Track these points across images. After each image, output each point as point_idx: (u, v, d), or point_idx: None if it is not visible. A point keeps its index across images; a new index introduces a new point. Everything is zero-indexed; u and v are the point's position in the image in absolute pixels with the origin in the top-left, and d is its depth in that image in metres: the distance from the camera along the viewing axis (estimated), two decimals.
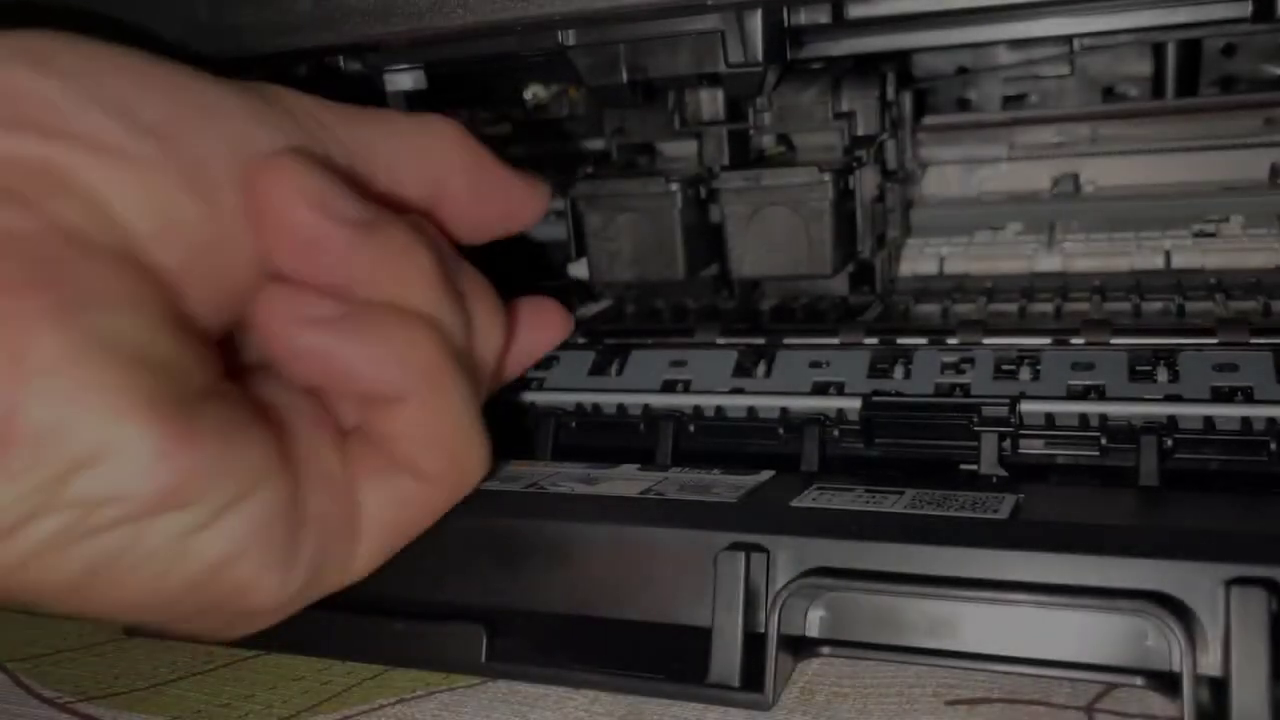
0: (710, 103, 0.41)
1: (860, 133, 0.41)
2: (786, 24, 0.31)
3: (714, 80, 0.36)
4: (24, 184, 0.20)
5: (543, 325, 0.31)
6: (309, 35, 0.25)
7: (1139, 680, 0.23)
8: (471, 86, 0.52)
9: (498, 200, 0.29)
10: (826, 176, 0.37)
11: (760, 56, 0.30)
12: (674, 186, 0.38)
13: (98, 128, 0.21)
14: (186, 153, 0.22)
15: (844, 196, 0.38)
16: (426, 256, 0.25)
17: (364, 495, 0.25)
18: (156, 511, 0.21)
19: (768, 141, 0.42)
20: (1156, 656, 0.23)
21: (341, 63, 0.36)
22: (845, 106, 0.41)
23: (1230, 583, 0.22)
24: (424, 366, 0.24)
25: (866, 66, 0.42)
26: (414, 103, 0.42)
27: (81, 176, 0.21)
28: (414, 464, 0.25)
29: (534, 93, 0.56)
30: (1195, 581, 0.23)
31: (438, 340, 0.25)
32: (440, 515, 0.27)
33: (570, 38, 0.32)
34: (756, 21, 0.30)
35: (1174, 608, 0.22)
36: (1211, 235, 0.43)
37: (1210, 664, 0.23)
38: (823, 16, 0.31)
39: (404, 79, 0.41)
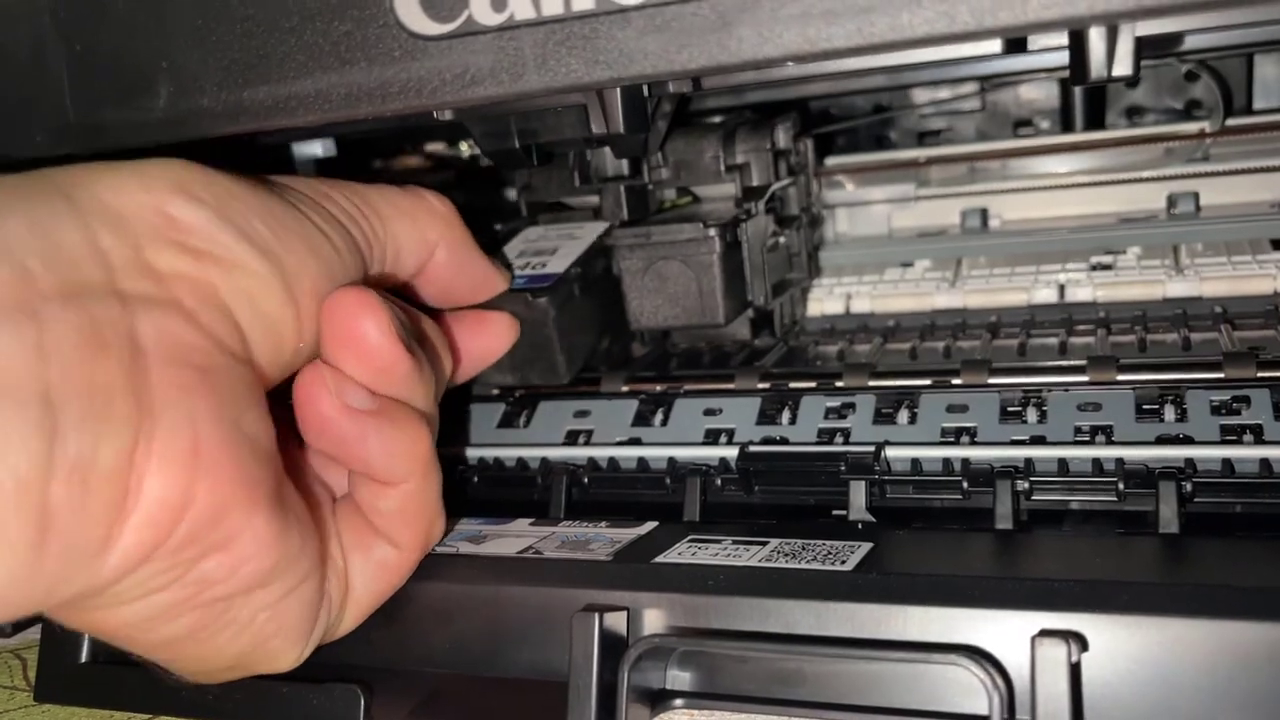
0: (611, 159, 0.42)
1: (754, 183, 0.42)
2: (647, 94, 0.33)
3: (602, 141, 0.37)
4: (186, 296, 0.24)
5: (489, 334, 0.34)
6: (167, 132, 0.26)
7: None
8: (379, 147, 0.53)
9: (470, 276, 0.33)
10: (712, 231, 0.38)
11: (621, 129, 0.31)
12: None
13: (231, 249, 0.25)
14: (285, 267, 0.26)
15: (734, 248, 0.40)
16: (437, 374, 0.29)
17: (353, 568, 0.29)
18: (254, 589, 0.25)
19: (669, 194, 0.43)
20: (980, 702, 0.25)
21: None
22: (739, 158, 0.42)
23: (1036, 636, 0.23)
24: (421, 458, 0.28)
25: (761, 118, 0.43)
26: (324, 167, 0.44)
27: (220, 291, 0.24)
28: (394, 536, 0.29)
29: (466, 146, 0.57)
30: (1006, 633, 0.24)
31: (429, 434, 0.29)
32: (407, 578, 0.30)
33: (446, 114, 0.33)
34: (615, 97, 0.31)
35: (985, 659, 0.24)
36: (1108, 268, 0.45)
37: (1023, 709, 0.24)
38: (684, 87, 0.33)
39: (313, 147, 0.42)
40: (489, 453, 0.39)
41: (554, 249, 0.40)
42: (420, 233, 0.31)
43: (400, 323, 0.27)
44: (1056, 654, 0.23)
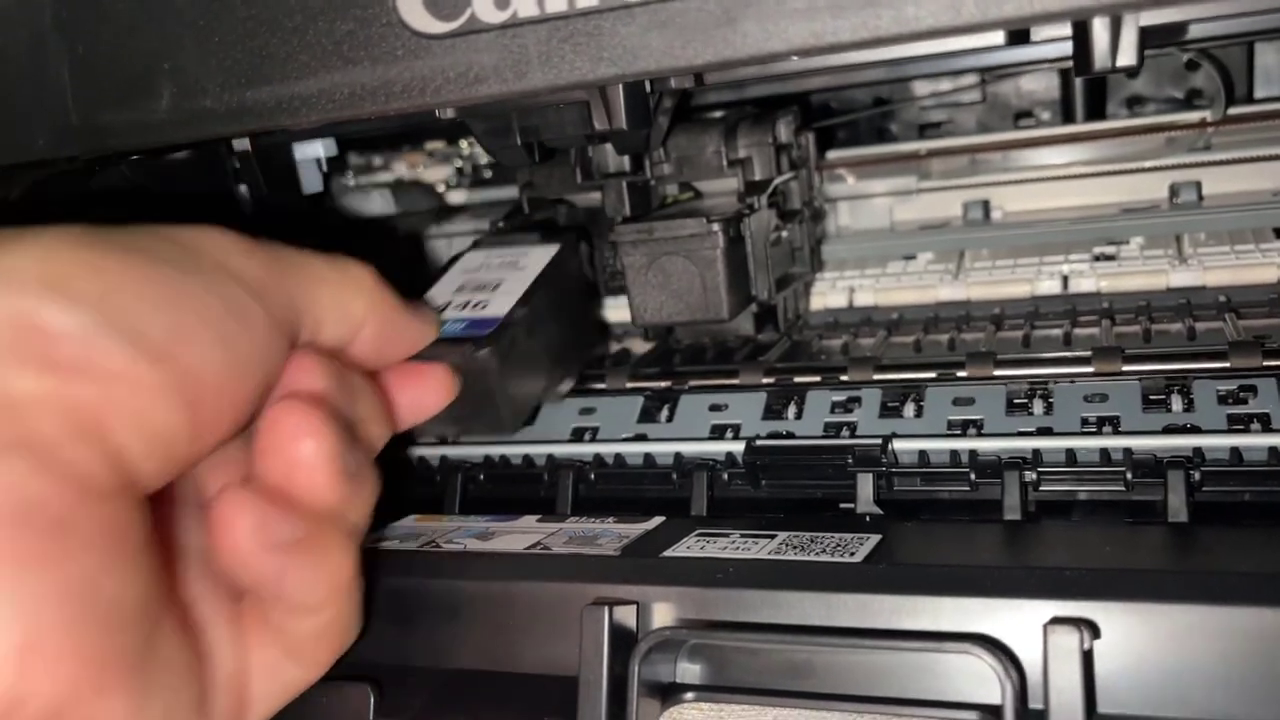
0: (613, 155, 0.42)
1: (757, 177, 0.42)
2: (649, 90, 0.33)
3: (604, 137, 0.37)
4: (45, 425, 0.20)
5: (425, 388, 0.32)
6: (169, 133, 0.26)
7: (972, 716, 0.24)
8: (380, 143, 0.53)
9: (398, 342, 0.31)
10: (715, 226, 0.38)
11: (623, 125, 0.31)
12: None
13: (112, 358, 0.21)
14: (183, 367, 0.23)
15: (737, 243, 0.40)
16: (373, 482, 0.27)
17: (253, 681, 0.27)
18: None
19: (672, 189, 0.43)
20: (993, 692, 0.25)
21: (249, 144, 0.37)
22: (741, 153, 0.42)
23: (1047, 624, 0.23)
24: (343, 584, 0.27)
25: (763, 112, 0.43)
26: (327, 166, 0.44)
27: (95, 412, 0.21)
28: (304, 654, 0.27)
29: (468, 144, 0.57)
30: (1017, 622, 0.24)
31: (354, 554, 0.27)
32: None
33: (449, 112, 0.33)
34: (618, 93, 0.31)
35: (997, 648, 0.24)
36: (1111, 258, 0.45)
37: (1035, 698, 0.24)
38: (687, 82, 0.33)
39: (314, 147, 0.42)
40: (495, 450, 0.39)
41: (496, 283, 0.37)
42: (344, 308, 0.28)
43: (340, 437, 0.25)
44: (1069, 642, 0.23)
